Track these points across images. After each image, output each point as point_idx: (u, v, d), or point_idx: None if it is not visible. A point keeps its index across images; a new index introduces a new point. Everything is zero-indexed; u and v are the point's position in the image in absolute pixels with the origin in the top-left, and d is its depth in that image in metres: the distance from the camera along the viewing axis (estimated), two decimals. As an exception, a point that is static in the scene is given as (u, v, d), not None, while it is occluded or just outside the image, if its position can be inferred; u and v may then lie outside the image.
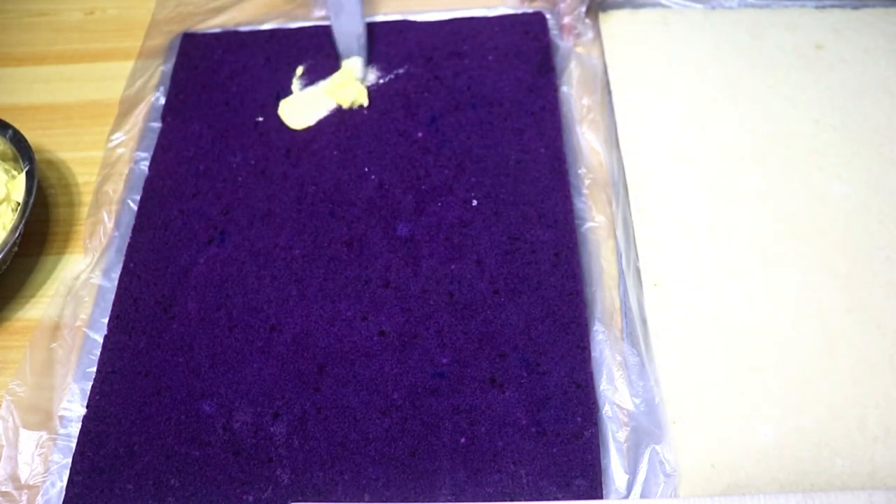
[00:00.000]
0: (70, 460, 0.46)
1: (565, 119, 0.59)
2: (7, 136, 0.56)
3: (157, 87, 0.64)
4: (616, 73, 0.60)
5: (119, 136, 0.61)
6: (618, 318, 0.50)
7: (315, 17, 0.68)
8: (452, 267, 0.51)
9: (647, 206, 0.52)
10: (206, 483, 0.44)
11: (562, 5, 0.63)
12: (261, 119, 0.61)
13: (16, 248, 0.53)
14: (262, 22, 0.68)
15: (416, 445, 0.45)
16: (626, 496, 0.43)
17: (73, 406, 0.48)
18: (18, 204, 0.54)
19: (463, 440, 0.45)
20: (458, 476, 0.44)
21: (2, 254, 0.50)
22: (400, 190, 0.55)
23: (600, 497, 0.42)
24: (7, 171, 0.56)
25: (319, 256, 0.53)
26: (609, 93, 0.59)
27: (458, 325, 0.49)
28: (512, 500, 0.43)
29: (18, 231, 0.51)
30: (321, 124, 0.60)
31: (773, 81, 0.58)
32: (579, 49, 0.63)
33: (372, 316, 0.50)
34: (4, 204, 0.54)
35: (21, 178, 0.55)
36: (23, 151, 0.55)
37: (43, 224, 0.58)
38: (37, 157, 0.55)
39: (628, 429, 0.45)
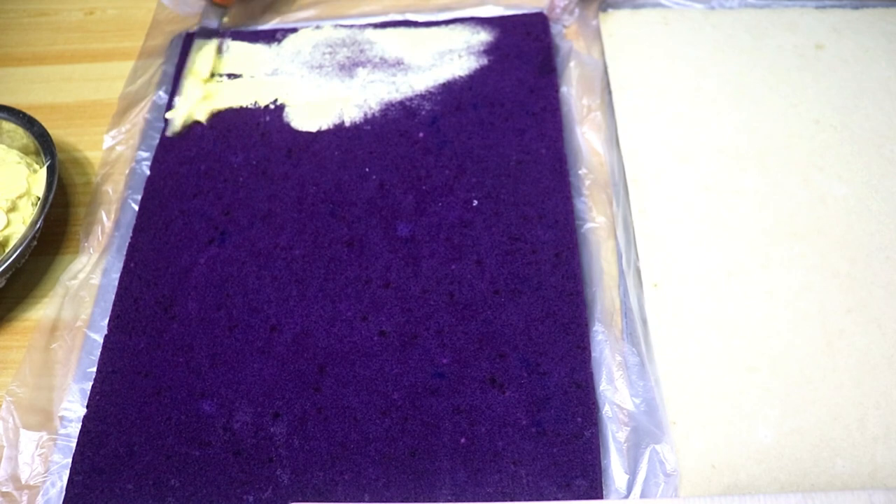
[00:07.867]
0: (70, 460, 0.46)
1: (566, 119, 0.59)
2: (33, 131, 0.57)
3: (158, 86, 0.64)
4: (616, 73, 0.60)
5: (118, 133, 0.61)
6: (618, 319, 0.50)
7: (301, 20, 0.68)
8: (453, 267, 0.51)
9: (647, 207, 0.52)
10: (206, 483, 0.44)
11: None
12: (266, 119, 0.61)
13: (34, 243, 0.52)
14: (263, 22, 0.68)
15: (416, 446, 0.45)
16: (626, 496, 0.43)
17: (73, 406, 0.48)
18: (38, 198, 0.54)
19: (463, 440, 0.45)
20: (458, 476, 0.44)
21: (21, 247, 0.50)
22: (400, 190, 0.55)
23: (600, 497, 0.42)
24: (29, 166, 0.56)
25: (320, 257, 0.53)
26: (609, 93, 0.59)
27: (459, 325, 0.49)
28: (512, 500, 0.43)
29: (38, 226, 0.51)
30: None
31: (773, 81, 0.58)
32: (577, 42, 0.63)
33: (372, 316, 0.50)
34: (25, 198, 0.54)
35: (42, 173, 0.55)
36: (45, 146, 0.55)
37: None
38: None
39: (628, 429, 0.45)
